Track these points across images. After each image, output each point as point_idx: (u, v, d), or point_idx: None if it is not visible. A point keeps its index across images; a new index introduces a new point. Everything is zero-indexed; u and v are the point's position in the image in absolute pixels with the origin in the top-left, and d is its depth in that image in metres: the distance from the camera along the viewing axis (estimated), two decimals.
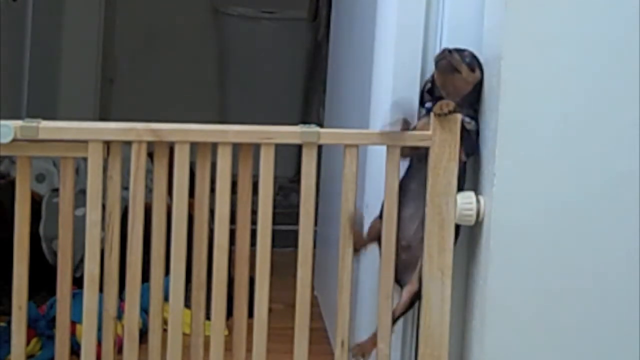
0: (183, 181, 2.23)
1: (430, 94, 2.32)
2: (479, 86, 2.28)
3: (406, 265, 2.29)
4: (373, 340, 2.31)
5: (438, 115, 2.20)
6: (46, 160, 3.35)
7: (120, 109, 4.53)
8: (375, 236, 2.30)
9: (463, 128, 2.23)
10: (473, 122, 2.26)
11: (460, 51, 2.28)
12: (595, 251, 2.25)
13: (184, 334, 2.28)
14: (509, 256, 2.24)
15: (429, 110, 2.28)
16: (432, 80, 2.32)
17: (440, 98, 2.26)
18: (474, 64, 2.27)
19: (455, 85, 2.27)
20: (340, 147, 2.28)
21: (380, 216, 2.29)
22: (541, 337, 2.26)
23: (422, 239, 2.26)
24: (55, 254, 2.40)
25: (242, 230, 2.26)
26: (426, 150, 2.23)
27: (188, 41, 4.77)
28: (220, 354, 2.28)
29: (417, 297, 2.29)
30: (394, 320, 2.30)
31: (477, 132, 2.27)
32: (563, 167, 2.23)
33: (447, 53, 2.27)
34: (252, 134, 2.24)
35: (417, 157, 2.27)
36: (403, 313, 2.31)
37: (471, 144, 2.26)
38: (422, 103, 2.34)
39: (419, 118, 2.32)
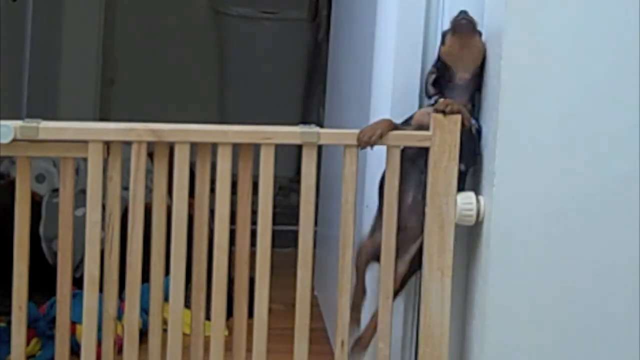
0: (183, 181, 2.23)
1: (434, 85, 2.31)
2: (482, 66, 2.27)
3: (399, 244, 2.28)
4: (370, 329, 2.30)
5: (438, 111, 2.20)
6: (46, 160, 3.35)
7: (120, 109, 4.53)
8: (369, 258, 2.31)
9: (469, 130, 2.23)
10: (475, 123, 2.27)
11: None
12: (595, 251, 2.25)
13: (184, 334, 2.28)
14: (509, 256, 2.24)
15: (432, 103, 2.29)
16: (437, 67, 2.30)
17: (446, 86, 2.27)
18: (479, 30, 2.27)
19: (472, 51, 2.25)
20: (340, 147, 2.28)
21: (371, 234, 2.30)
22: (541, 337, 2.26)
23: (417, 219, 2.26)
24: (55, 254, 2.40)
25: (242, 231, 2.26)
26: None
27: (188, 41, 4.78)
28: (220, 354, 2.28)
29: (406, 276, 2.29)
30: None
31: (479, 133, 2.27)
32: (563, 167, 2.23)
33: (465, 14, 2.25)
34: (252, 134, 2.24)
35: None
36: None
37: (472, 155, 2.26)
38: (427, 96, 2.33)
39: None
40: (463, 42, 2.25)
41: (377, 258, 2.29)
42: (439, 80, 2.30)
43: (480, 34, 2.26)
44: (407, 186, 2.27)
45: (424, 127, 2.24)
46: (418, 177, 2.26)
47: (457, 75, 2.26)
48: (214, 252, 2.25)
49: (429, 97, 2.31)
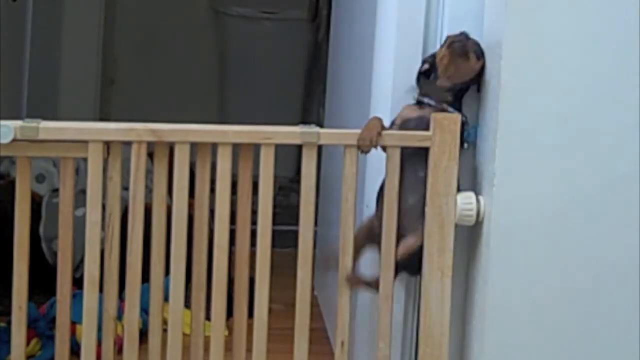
0: (183, 181, 2.23)
1: (424, 75, 2.31)
2: (477, 77, 2.28)
3: (404, 227, 2.29)
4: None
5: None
6: (46, 160, 3.35)
7: (120, 109, 4.53)
8: (366, 238, 2.31)
9: None
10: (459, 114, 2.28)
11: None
12: (595, 251, 2.25)
13: (184, 334, 2.28)
14: (509, 256, 2.24)
15: (418, 102, 2.29)
16: (431, 61, 2.31)
17: (431, 83, 2.27)
18: (480, 52, 2.28)
19: (459, 70, 2.26)
20: (340, 147, 2.28)
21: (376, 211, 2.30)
22: (541, 337, 2.26)
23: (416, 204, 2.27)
24: (55, 254, 2.40)
25: (242, 231, 2.26)
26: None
27: (188, 41, 4.78)
28: (220, 354, 2.28)
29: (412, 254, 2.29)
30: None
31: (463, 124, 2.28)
32: (563, 167, 2.23)
33: (464, 37, 2.27)
34: (252, 134, 2.24)
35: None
36: (398, 266, 2.30)
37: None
38: (418, 85, 2.33)
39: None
40: (453, 58, 2.27)
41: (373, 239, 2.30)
42: (428, 72, 2.31)
43: (477, 56, 2.26)
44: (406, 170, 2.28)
45: (410, 120, 2.25)
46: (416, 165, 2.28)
47: (439, 80, 2.28)
48: (214, 252, 2.25)
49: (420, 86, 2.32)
